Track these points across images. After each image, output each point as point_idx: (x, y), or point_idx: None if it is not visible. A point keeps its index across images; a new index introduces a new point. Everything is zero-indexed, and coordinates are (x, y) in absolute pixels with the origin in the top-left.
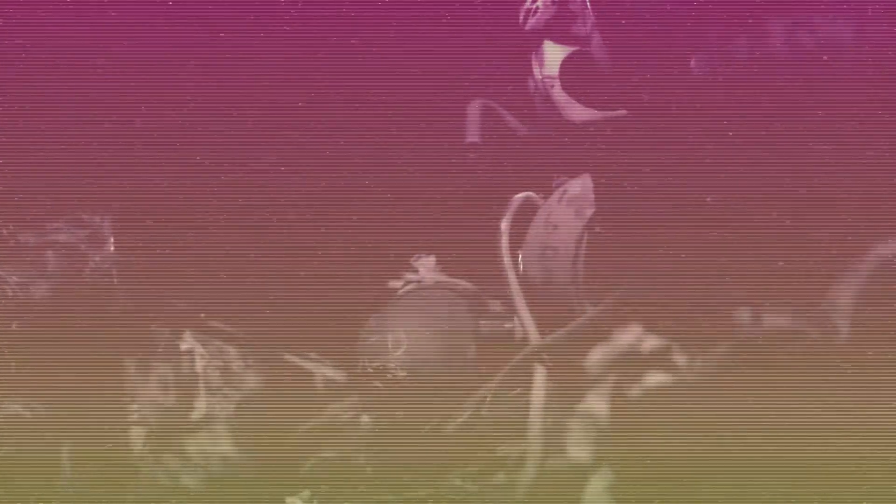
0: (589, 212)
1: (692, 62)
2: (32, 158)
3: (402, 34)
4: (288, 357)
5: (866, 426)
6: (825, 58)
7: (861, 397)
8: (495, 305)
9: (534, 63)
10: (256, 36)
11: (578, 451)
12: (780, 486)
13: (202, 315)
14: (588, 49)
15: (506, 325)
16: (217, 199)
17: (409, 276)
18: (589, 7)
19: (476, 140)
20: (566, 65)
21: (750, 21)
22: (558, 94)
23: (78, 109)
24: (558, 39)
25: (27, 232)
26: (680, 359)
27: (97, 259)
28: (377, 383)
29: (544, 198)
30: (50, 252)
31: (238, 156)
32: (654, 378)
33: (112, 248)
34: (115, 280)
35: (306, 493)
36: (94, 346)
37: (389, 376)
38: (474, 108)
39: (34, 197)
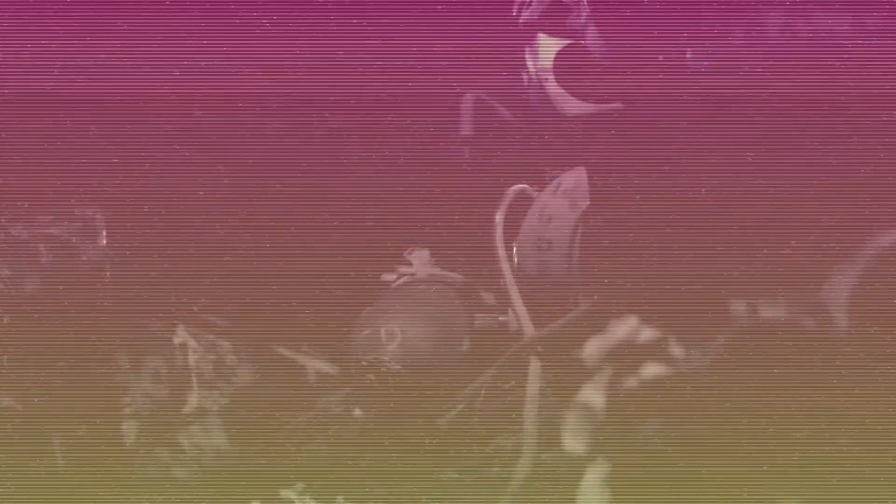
0: (583, 204)
1: (687, 54)
2: (24, 151)
3: (395, 28)
4: (281, 351)
5: (863, 417)
6: (822, 50)
7: (858, 388)
8: (490, 298)
9: (528, 56)
10: (249, 32)
11: (574, 443)
12: (778, 476)
13: (195, 308)
14: (582, 42)
15: (500, 318)
16: (209, 192)
17: (403, 269)
18: None
19: (470, 133)
20: (560, 58)
21: (746, 13)
22: (552, 87)
23: (70, 103)
24: (552, 32)
25: (19, 225)
26: (676, 350)
27: (89, 252)
28: (371, 376)
29: (539, 190)
30: (42, 245)
31: (230, 150)
32: (650, 370)
33: (104, 242)
34: (108, 273)
35: (300, 485)
36: (86, 340)
37: (383, 369)
38: (468, 102)
39: (26, 190)
